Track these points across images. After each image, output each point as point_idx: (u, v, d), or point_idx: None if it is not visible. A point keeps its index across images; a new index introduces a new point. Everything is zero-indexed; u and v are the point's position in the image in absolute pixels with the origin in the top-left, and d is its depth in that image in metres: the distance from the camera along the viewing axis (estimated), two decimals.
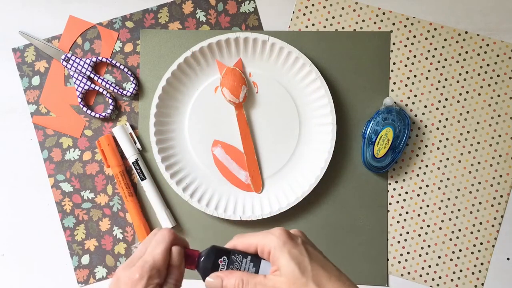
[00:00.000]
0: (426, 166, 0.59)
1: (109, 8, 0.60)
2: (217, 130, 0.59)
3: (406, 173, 0.59)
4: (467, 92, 0.59)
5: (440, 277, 0.59)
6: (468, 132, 0.59)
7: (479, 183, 0.59)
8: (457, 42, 0.59)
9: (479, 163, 0.59)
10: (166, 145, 0.58)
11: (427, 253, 0.59)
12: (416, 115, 0.60)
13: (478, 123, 0.59)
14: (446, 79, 0.59)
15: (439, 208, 0.59)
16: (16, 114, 0.61)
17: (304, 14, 0.60)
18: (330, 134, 0.57)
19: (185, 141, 0.59)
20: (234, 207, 0.58)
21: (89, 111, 0.59)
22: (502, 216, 0.59)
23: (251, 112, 0.59)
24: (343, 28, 0.60)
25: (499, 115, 0.59)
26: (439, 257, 0.59)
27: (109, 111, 0.59)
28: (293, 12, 0.60)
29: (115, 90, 0.59)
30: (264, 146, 0.59)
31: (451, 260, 0.59)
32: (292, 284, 0.35)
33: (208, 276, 0.38)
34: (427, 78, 0.59)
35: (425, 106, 0.59)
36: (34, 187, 0.61)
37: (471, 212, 0.59)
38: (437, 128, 0.59)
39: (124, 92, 0.59)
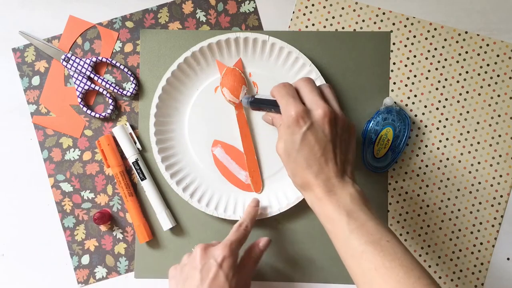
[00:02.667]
0: (426, 166, 0.59)
1: (109, 8, 0.60)
2: (217, 130, 0.59)
3: (406, 173, 0.59)
4: (467, 92, 0.59)
5: (440, 277, 0.59)
6: (468, 132, 0.59)
7: (479, 183, 0.59)
8: (457, 42, 0.59)
9: (479, 163, 0.59)
10: (166, 145, 0.58)
11: (427, 253, 0.59)
12: (416, 115, 0.60)
13: (478, 123, 0.59)
14: (446, 79, 0.59)
15: (439, 208, 0.59)
16: (16, 114, 0.61)
17: (304, 14, 0.60)
18: None
19: (185, 141, 0.59)
20: (234, 207, 0.58)
21: (89, 111, 0.59)
22: (502, 216, 0.59)
23: (251, 112, 0.59)
24: (343, 28, 0.60)
25: (499, 115, 0.59)
26: (439, 257, 0.59)
27: (109, 111, 0.59)
28: (293, 12, 0.60)
29: (115, 90, 0.59)
30: (264, 146, 0.59)
31: (451, 260, 0.59)
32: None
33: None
34: (427, 78, 0.59)
35: (425, 106, 0.59)
36: (34, 187, 0.61)
37: (471, 212, 0.59)
38: (437, 128, 0.59)
39: (124, 92, 0.59)
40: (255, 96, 0.53)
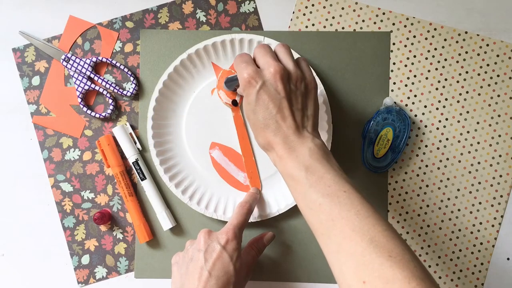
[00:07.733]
0: (426, 166, 0.59)
1: (109, 8, 0.60)
2: (214, 132, 0.59)
3: (406, 173, 0.59)
4: (467, 92, 0.59)
5: (440, 277, 0.59)
6: (468, 132, 0.59)
7: (479, 183, 0.59)
8: (457, 42, 0.59)
9: (479, 163, 0.59)
10: (164, 148, 0.58)
11: (427, 253, 0.59)
12: (416, 115, 0.60)
13: (478, 123, 0.59)
14: (446, 79, 0.59)
15: (439, 208, 0.59)
16: (16, 114, 0.61)
17: (304, 14, 0.60)
18: (326, 134, 0.57)
19: (183, 144, 0.59)
20: (233, 209, 0.58)
21: (89, 111, 0.59)
22: (502, 216, 0.59)
23: None
24: (343, 28, 0.60)
25: (499, 115, 0.59)
26: (439, 257, 0.59)
27: (109, 111, 0.59)
28: (293, 12, 0.60)
29: (115, 90, 0.59)
30: None
31: (451, 260, 0.59)
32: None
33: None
34: (427, 78, 0.59)
35: (425, 106, 0.59)
36: (34, 187, 0.61)
37: (471, 212, 0.59)
38: (437, 128, 0.59)
39: (124, 92, 0.59)
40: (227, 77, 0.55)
